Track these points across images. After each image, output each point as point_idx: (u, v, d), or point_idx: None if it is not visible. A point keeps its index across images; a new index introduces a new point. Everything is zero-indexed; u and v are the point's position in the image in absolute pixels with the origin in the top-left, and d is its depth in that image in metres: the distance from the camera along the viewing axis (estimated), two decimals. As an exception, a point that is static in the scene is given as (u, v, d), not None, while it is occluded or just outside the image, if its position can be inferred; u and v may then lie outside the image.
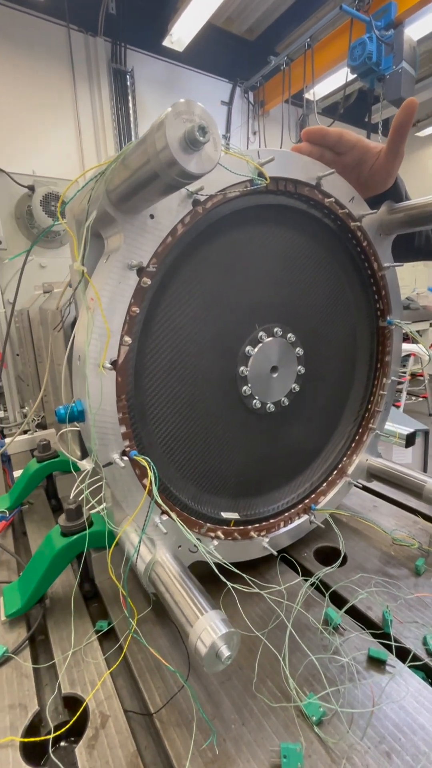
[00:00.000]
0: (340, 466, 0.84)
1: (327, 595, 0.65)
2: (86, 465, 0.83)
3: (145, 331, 0.55)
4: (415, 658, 0.55)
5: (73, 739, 0.51)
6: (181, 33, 4.66)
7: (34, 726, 0.51)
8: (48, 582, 0.67)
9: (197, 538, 0.64)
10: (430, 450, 2.54)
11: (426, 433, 2.52)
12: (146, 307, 0.53)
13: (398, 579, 0.70)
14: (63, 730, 0.49)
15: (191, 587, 0.51)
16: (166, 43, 4.82)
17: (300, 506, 0.79)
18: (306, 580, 0.69)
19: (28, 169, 2.22)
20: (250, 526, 0.72)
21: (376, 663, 0.55)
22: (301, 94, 5.43)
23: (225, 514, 0.70)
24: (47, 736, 0.48)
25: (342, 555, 0.74)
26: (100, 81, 4.72)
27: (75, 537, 0.66)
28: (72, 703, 0.53)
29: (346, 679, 0.52)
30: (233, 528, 0.69)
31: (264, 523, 0.74)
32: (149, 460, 0.51)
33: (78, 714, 0.50)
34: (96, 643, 0.61)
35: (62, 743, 0.51)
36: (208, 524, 0.66)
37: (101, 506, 0.68)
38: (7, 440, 1.30)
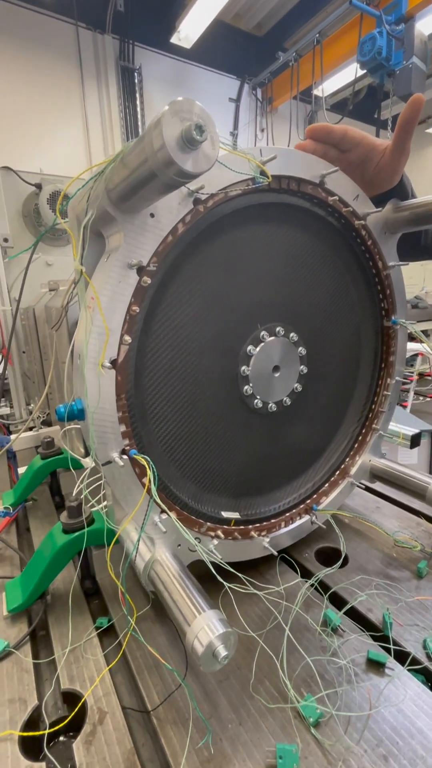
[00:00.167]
0: (342, 466, 0.84)
1: (326, 596, 0.65)
2: (89, 462, 0.83)
3: (146, 330, 0.55)
4: (415, 661, 0.55)
5: (71, 734, 0.51)
6: (189, 30, 4.64)
7: (34, 720, 0.51)
8: (49, 578, 0.67)
9: (197, 537, 0.64)
10: (437, 451, 2.51)
11: (432, 433, 2.50)
12: (146, 306, 0.53)
13: (400, 581, 0.70)
14: (60, 726, 0.49)
15: (189, 586, 0.51)
16: (173, 39, 4.80)
17: (301, 506, 0.79)
18: (306, 581, 0.69)
19: (35, 167, 2.23)
20: (250, 526, 0.72)
21: (375, 665, 0.54)
22: (309, 90, 5.38)
23: (225, 514, 0.70)
24: (49, 730, 0.49)
25: (343, 556, 0.73)
26: (108, 79, 4.72)
27: (76, 534, 0.66)
28: (71, 698, 0.54)
29: (344, 681, 0.52)
30: (233, 527, 0.69)
31: (265, 523, 0.74)
32: (148, 459, 0.51)
33: (76, 710, 0.50)
34: (96, 639, 0.62)
35: (61, 738, 0.52)
36: (209, 523, 0.66)
37: (102, 504, 0.68)
38: (12, 437, 1.31)
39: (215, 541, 0.66)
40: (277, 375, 0.69)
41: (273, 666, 0.55)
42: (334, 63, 4.95)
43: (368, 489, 1.01)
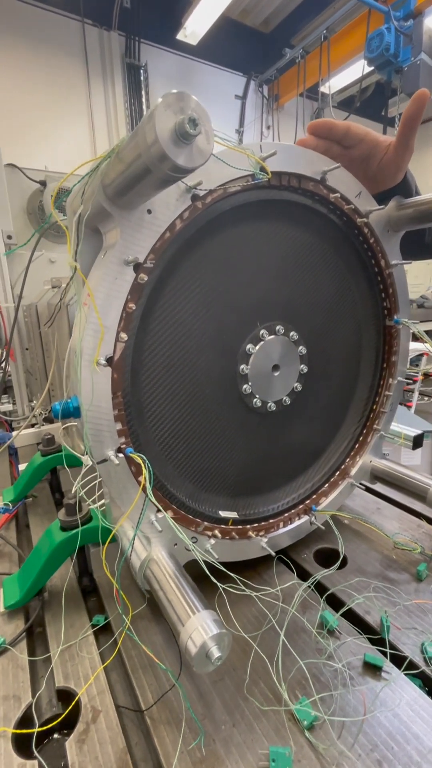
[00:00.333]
0: (342, 467, 0.83)
1: (323, 598, 0.64)
2: (87, 460, 0.83)
3: (143, 327, 0.54)
4: (412, 665, 0.54)
5: (65, 731, 0.51)
6: (195, 26, 4.62)
7: (28, 718, 0.51)
8: (46, 575, 0.67)
9: (194, 537, 0.63)
10: (441, 452, 2.49)
11: (436, 434, 2.47)
12: (143, 304, 0.52)
13: (398, 584, 0.69)
14: (53, 724, 0.49)
15: (185, 586, 0.50)
16: (179, 36, 4.79)
17: (301, 507, 0.78)
18: (303, 582, 0.68)
19: (40, 164, 2.23)
20: (248, 526, 0.71)
21: (371, 669, 0.54)
22: (316, 87, 5.33)
23: (223, 513, 0.69)
24: (39, 729, 0.48)
25: (341, 557, 0.73)
26: (114, 76, 4.71)
27: (74, 532, 0.66)
28: (65, 696, 0.54)
29: (339, 684, 0.52)
30: (231, 527, 0.69)
31: (263, 523, 0.73)
32: (144, 457, 0.50)
33: (69, 708, 0.50)
34: (92, 637, 0.61)
35: (55, 735, 0.52)
36: (206, 523, 0.66)
37: (99, 503, 0.68)
38: (14, 433, 1.31)
39: (212, 541, 0.65)
40: (276, 374, 0.68)
41: (268, 667, 0.54)
42: (342, 59, 4.91)
43: (369, 490, 1.00)
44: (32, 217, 2.10)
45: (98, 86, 4.69)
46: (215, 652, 0.43)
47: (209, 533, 0.66)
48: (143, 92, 4.93)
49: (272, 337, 0.66)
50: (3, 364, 1.47)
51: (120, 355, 0.51)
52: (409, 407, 3.38)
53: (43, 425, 1.46)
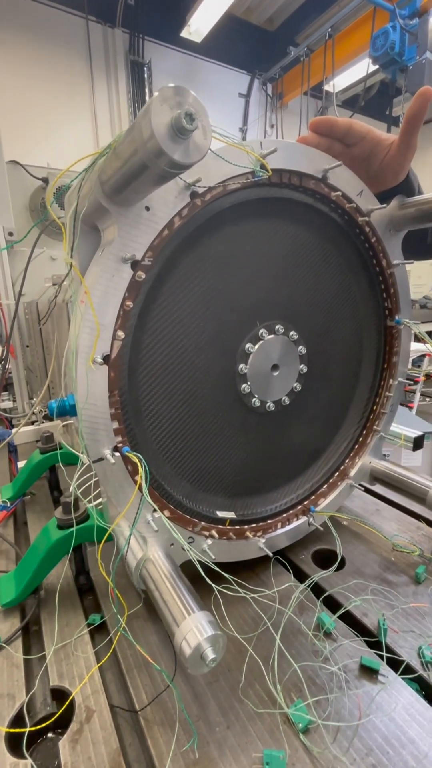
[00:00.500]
0: (342, 468, 0.82)
1: (320, 600, 0.64)
2: (85, 458, 0.83)
3: (141, 325, 0.54)
4: (409, 668, 0.54)
5: (60, 731, 0.51)
6: (200, 23, 4.61)
7: (22, 717, 0.51)
8: (43, 574, 0.67)
9: (190, 537, 0.63)
10: (442, 453, 2.48)
11: (437, 435, 2.46)
12: (141, 302, 0.52)
13: (397, 586, 0.68)
14: (46, 723, 0.49)
15: (180, 586, 0.50)
16: (184, 34, 4.78)
17: (299, 507, 0.78)
18: (300, 584, 0.68)
19: (43, 161, 2.22)
20: (246, 526, 0.71)
21: (368, 672, 0.53)
22: (320, 86, 5.32)
23: (221, 513, 0.69)
24: (31, 728, 0.48)
25: (339, 559, 0.72)
26: (118, 73, 4.71)
27: (71, 530, 0.66)
28: (60, 695, 0.53)
29: (335, 686, 0.51)
30: (228, 527, 0.68)
31: (261, 524, 0.73)
32: (140, 456, 0.50)
33: (63, 707, 0.50)
34: (87, 636, 0.61)
35: (49, 734, 0.51)
36: (203, 523, 0.65)
37: (96, 501, 0.68)
38: (13, 430, 1.31)
39: (209, 541, 0.65)
40: (275, 374, 0.68)
41: (264, 669, 0.54)
42: (346, 58, 4.89)
43: (368, 491, 1.00)
44: (34, 215, 2.09)
45: (102, 83, 4.68)
46: (210, 654, 0.42)
47: (206, 533, 0.65)
48: (147, 90, 4.92)
49: (272, 336, 0.66)
50: (3, 361, 1.47)
51: (117, 353, 0.51)
52: (410, 408, 3.37)
53: (42, 422, 1.46)
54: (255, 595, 0.56)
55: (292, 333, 0.68)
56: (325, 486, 0.81)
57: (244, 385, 0.65)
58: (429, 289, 6.04)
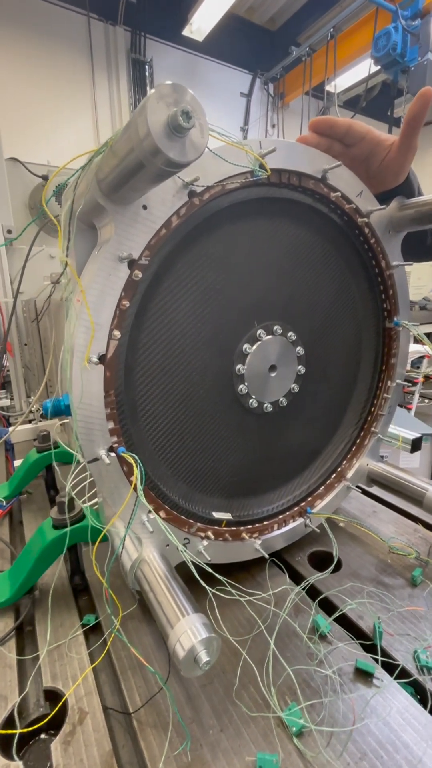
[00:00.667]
0: (339, 469, 0.82)
1: (315, 602, 0.63)
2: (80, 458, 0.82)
3: (137, 325, 0.53)
4: (404, 672, 0.53)
5: (52, 732, 0.51)
6: (201, 22, 4.60)
7: (13, 718, 0.50)
8: (37, 574, 0.67)
9: (186, 538, 0.63)
10: (440, 455, 2.48)
11: (436, 437, 2.46)
12: (138, 301, 0.52)
13: (393, 589, 0.68)
14: (39, 725, 0.49)
15: (175, 588, 0.50)
16: (185, 32, 4.76)
17: (295, 509, 0.77)
18: (296, 586, 0.67)
19: (43, 159, 2.21)
20: (242, 528, 0.70)
21: (363, 675, 0.53)
22: (322, 86, 5.32)
23: (217, 514, 0.68)
24: (22, 730, 0.48)
25: (335, 561, 0.72)
26: (119, 71, 4.70)
27: (65, 530, 0.66)
28: (53, 696, 0.53)
29: (329, 690, 0.51)
30: (224, 528, 0.68)
31: (257, 525, 0.72)
32: (136, 457, 0.50)
33: (56, 709, 0.50)
34: (81, 637, 0.61)
35: (42, 735, 0.51)
36: (199, 524, 0.65)
37: (92, 501, 0.67)
38: (10, 428, 1.31)
39: (205, 542, 0.64)
40: (273, 375, 0.67)
41: (259, 672, 0.53)
42: (348, 58, 4.89)
43: (366, 493, 0.99)
44: (34, 212, 2.08)
45: (103, 81, 4.67)
46: (203, 657, 0.42)
47: (202, 534, 0.65)
48: (148, 88, 4.91)
49: (270, 337, 0.65)
50: (0, 359, 1.47)
51: (113, 353, 0.50)
52: (409, 409, 3.37)
53: (40, 421, 1.46)
54: (253, 597, 0.56)
55: (290, 334, 0.68)
56: (322, 488, 0.81)
57: (241, 386, 0.64)
58: (429, 291, 6.04)
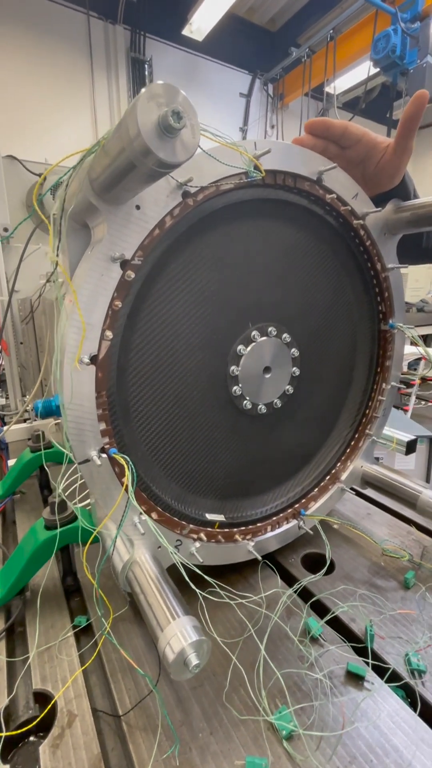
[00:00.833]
0: (333, 471, 0.82)
1: (307, 605, 0.63)
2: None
3: (130, 326, 0.53)
4: (395, 675, 0.53)
5: (42, 734, 0.50)
6: (201, 22, 4.59)
7: (4, 720, 0.50)
8: (29, 574, 0.66)
9: (178, 539, 0.62)
10: (435, 457, 2.48)
11: (430, 440, 2.47)
12: (131, 302, 0.51)
13: (386, 591, 0.68)
14: (27, 728, 0.48)
15: (166, 590, 0.50)
16: (185, 32, 4.75)
17: (289, 511, 0.77)
18: (288, 588, 0.67)
19: (42, 157, 2.20)
20: (235, 529, 0.70)
21: (354, 678, 0.53)
22: (321, 87, 5.31)
23: (210, 516, 0.68)
24: (8, 733, 0.47)
25: (328, 563, 0.72)
26: (118, 70, 4.68)
27: (57, 530, 0.65)
28: (42, 699, 0.53)
29: (320, 693, 0.51)
30: (217, 530, 0.68)
31: (250, 527, 0.72)
32: (127, 459, 0.49)
33: (45, 712, 0.49)
34: (72, 639, 0.60)
35: (31, 738, 0.51)
36: (191, 525, 0.65)
37: (84, 502, 0.67)
38: (5, 428, 1.30)
39: (197, 544, 0.64)
40: (267, 376, 0.67)
41: (249, 675, 0.53)
42: (347, 60, 4.89)
43: (360, 495, 0.99)
44: (31, 210, 2.08)
45: (102, 80, 4.66)
46: (193, 660, 0.42)
47: (194, 536, 0.65)
48: (148, 87, 4.89)
49: (264, 338, 0.65)
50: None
51: (105, 353, 0.50)
52: (405, 411, 3.37)
53: (35, 421, 1.45)
54: (242, 600, 0.55)
55: (284, 335, 0.67)
56: (316, 489, 0.80)
57: (235, 388, 0.64)
58: (426, 293, 6.06)
